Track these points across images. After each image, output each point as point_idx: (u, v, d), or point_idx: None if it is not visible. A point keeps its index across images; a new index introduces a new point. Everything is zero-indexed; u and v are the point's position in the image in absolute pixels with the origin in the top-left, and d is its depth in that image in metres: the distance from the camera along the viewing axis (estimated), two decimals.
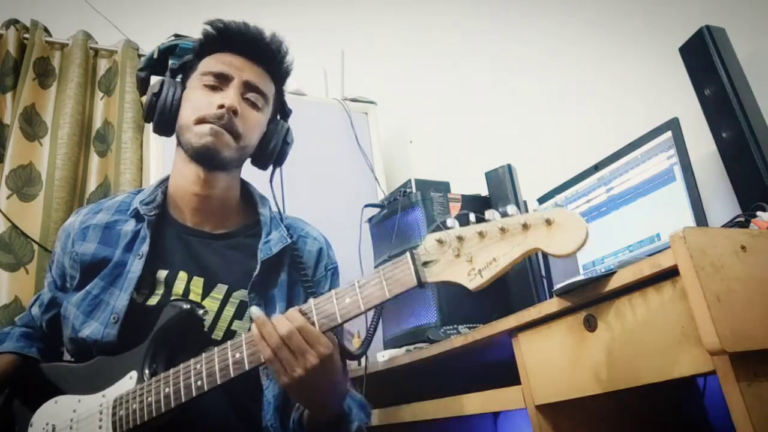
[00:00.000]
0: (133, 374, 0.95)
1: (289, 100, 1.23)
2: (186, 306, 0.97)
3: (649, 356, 0.79)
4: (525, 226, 0.71)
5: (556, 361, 0.95)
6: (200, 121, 1.04)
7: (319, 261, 1.16)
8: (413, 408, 1.32)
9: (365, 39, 2.69)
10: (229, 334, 1.02)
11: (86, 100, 2.11)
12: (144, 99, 1.12)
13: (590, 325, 0.88)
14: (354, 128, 2.23)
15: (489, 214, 0.75)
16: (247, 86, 1.08)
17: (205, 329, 1.02)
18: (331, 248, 1.20)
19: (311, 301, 0.85)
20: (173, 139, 1.12)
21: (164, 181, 1.15)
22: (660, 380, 0.78)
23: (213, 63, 1.08)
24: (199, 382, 0.87)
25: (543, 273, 1.42)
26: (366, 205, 1.64)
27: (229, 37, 1.09)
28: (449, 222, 0.78)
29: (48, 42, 2.10)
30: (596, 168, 1.34)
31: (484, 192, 1.44)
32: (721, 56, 1.14)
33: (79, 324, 1.02)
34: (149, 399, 0.90)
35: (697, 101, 1.21)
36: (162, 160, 1.85)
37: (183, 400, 0.88)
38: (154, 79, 1.14)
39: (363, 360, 1.43)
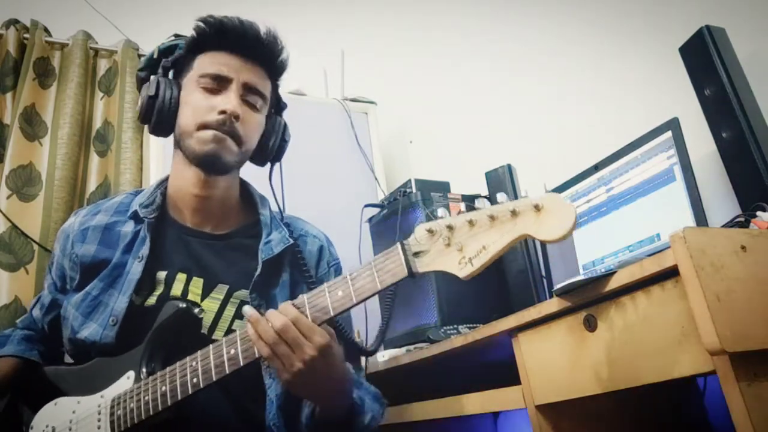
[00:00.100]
0: (131, 374, 0.95)
1: (289, 100, 1.23)
2: (182, 305, 0.97)
3: (649, 356, 0.79)
4: (514, 213, 0.71)
5: (556, 361, 0.95)
6: (202, 126, 1.03)
7: (321, 259, 1.15)
8: (413, 408, 1.32)
9: (365, 39, 2.68)
10: (230, 334, 1.02)
11: (86, 100, 2.11)
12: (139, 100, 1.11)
13: (590, 325, 0.88)
14: (354, 128, 2.22)
15: (479, 202, 0.75)
16: (246, 88, 1.07)
17: (206, 329, 1.02)
18: (332, 245, 1.20)
19: (304, 295, 0.85)
20: (173, 139, 1.11)
21: (163, 182, 1.15)
22: (660, 380, 0.78)
23: (210, 64, 1.06)
24: (194, 379, 0.88)
25: (543, 273, 1.42)
26: (366, 205, 1.64)
27: (224, 35, 1.06)
28: (440, 212, 0.78)
29: (48, 42, 2.09)
30: (596, 168, 1.34)
31: (484, 192, 1.44)
32: (721, 56, 1.14)
33: (78, 325, 1.02)
34: (146, 398, 0.91)
35: (697, 101, 1.20)
36: (162, 160, 1.86)
37: (179, 397, 0.88)
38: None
39: (363, 360, 1.43)
